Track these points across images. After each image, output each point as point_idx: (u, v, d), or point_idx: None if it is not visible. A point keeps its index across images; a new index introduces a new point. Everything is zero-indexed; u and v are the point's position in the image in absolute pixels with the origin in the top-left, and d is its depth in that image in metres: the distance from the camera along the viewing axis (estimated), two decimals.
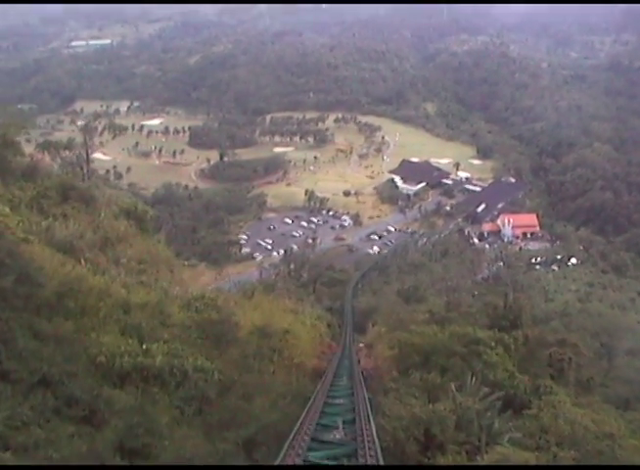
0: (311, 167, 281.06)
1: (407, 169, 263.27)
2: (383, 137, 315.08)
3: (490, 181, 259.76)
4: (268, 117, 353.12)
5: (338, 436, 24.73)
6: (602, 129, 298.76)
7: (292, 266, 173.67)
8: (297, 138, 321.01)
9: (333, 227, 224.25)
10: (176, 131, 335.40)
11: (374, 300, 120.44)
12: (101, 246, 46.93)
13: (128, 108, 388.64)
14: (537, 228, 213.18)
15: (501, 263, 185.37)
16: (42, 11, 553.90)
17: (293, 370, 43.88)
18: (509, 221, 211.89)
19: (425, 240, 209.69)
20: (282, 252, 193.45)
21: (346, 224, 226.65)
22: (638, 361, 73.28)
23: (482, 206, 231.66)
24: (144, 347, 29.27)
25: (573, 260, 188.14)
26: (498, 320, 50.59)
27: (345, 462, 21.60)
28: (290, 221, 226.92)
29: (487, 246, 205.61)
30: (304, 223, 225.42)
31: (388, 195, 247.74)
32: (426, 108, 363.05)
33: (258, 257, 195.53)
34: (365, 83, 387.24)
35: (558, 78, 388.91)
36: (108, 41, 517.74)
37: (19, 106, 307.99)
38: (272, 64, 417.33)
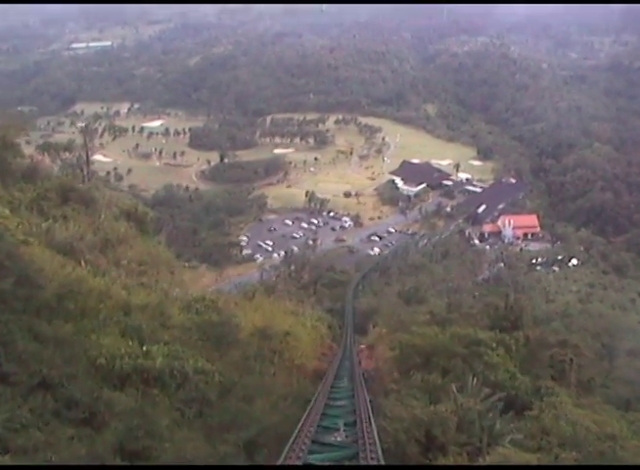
0: (312, 169, 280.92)
1: (408, 170, 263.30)
2: (383, 138, 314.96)
3: (491, 182, 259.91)
4: (269, 119, 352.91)
5: (339, 438, 24.70)
6: (602, 130, 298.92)
7: (292, 268, 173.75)
8: (297, 139, 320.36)
9: (333, 228, 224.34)
10: (177, 133, 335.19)
11: (375, 301, 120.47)
12: (101, 247, 46.86)
13: (129, 109, 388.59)
14: (538, 229, 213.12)
15: (502, 264, 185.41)
16: (42, 13, 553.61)
17: (293, 372, 43.97)
18: (509, 222, 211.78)
19: (425, 241, 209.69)
20: (282, 253, 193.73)
21: (347, 225, 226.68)
22: (639, 362, 73.09)
23: (483, 207, 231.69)
24: (144, 348, 29.22)
25: (574, 261, 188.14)
26: (499, 321, 50.47)
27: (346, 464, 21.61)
28: (290, 223, 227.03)
29: (488, 247, 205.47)
30: (305, 225, 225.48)
31: (389, 196, 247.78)
32: (426, 109, 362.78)
33: (259, 258, 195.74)
34: (365, 84, 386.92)
35: (558, 79, 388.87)
36: (108, 43, 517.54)
37: (19, 108, 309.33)
38: (272, 65, 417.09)
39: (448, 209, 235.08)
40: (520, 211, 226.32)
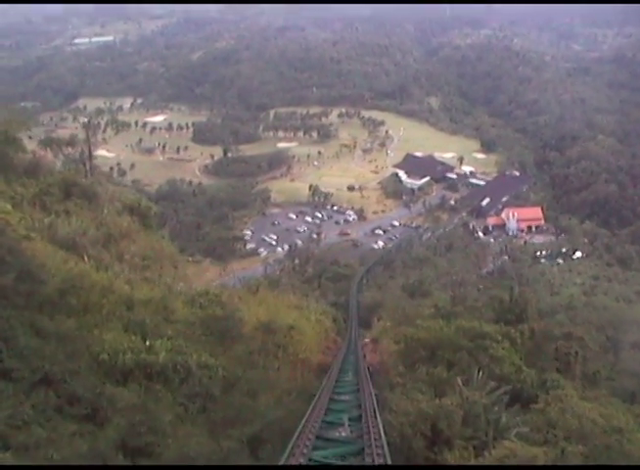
0: (315, 163, 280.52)
1: (411, 164, 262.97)
2: (386, 132, 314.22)
3: (494, 175, 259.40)
4: (272, 113, 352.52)
5: (343, 433, 24.49)
6: (605, 122, 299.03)
7: (296, 262, 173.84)
8: (300, 133, 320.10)
9: (337, 222, 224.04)
10: (180, 127, 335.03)
11: (379, 294, 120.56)
12: (104, 242, 46.83)
13: (131, 104, 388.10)
14: (542, 221, 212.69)
15: (506, 257, 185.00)
16: (44, 9, 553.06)
17: (298, 366, 43.83)
18: (513, 215, 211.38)
19: (429, 234, 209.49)
20: (286, 247, 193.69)
21: (351, 219, 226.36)
22: None
23: (487, 199, 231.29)
24: (147, 343, 29.14)
25: (578, 254, 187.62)
26: (504, 314, 50.40)
27: (351, 461, 21.38)
28: (294, 217, 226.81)
29: (492, 240, 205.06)
30: (309, 218, 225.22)
31: (393, 189, 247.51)
32: (429, 102, 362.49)
33: (263, 252, 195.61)
34: (368, 78, 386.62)
35: (561, 72, 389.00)
36: (110, 38, 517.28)
37: (22, 104, 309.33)
38: (275, 59, 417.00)
39: (452, 202, 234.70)
40: (524, 203, 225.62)
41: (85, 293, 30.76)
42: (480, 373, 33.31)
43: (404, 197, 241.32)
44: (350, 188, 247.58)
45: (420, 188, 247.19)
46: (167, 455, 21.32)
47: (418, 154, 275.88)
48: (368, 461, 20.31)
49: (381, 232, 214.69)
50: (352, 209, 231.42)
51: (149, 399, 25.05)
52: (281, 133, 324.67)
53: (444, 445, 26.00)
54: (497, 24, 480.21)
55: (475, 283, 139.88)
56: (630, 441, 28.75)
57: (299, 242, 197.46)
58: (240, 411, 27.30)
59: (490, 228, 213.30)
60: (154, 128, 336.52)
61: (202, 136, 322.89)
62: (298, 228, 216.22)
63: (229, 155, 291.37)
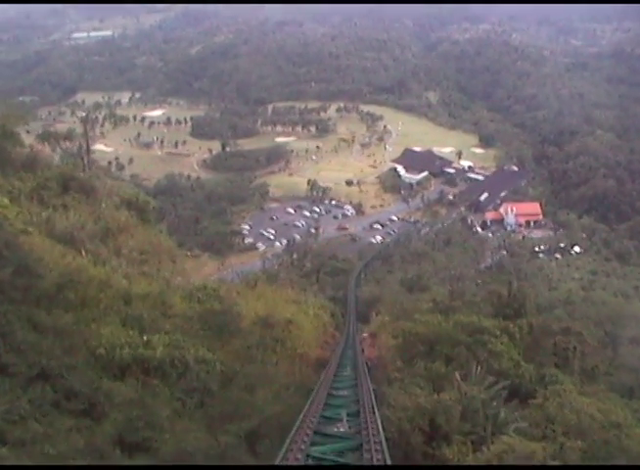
0: (313, 157, 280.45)
1: (410, 158, 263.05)
2: (385, 126, 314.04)
3: (493, 170, 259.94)
4: (270, 107, 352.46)
5: (342, 429, 24.44)
6: (604, 117, 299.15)
7: (294, 256, 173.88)
8: (299, 128, 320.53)
9: (335, 217, 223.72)
10: (178, 122, 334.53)
11: (377, 289, 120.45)
12: (102, 237, 46.78)
13: (130, 99, 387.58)
14: (540, 216, 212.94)
15: (504, 252, 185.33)
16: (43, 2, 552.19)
17: (296, 361, 43.79)
18: (512, 210, 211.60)
19: (428, 229, 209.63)
20: (285, 241, 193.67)
21: (349, 214, 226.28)
22: None
23: (485, 194, 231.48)
24: (145, 338, 29.07)
25: (577, 249, 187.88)
26: (502, 309, 50.25)
27: (349, 457, 21.30)
28: (292, 211, 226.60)
29: (490, 234, 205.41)
30: (307, 213, 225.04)
31: (391, 184, 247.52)
32: (428, 97, 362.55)
33: (261, 247, 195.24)
34: (367, 72, 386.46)
35: (560, 66, 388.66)
36: (109, 32, 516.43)
37: (20, 98, 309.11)
38: (273, 53, 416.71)
39: (450, 196, 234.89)
40: (522, 198, 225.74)
41: (83, 287, 30.72)
42: (479, 368, 33.25)
43: (402, 191, 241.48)
44: (349, 182, 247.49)
45: (418, 183, 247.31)
46: (165, 451, 21.27)
47: (416, 148, 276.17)
48: (366, 457, 20.24)
49: (379, 227, 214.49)
50: (351, 203, 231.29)
51: (146, 394, 25.02)
52: (279, 128, 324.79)
53: (443, 440, 25.98)
54: (496, 19, 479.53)
55: (473, 278, 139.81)
56: (629, 436, 28.73)
57: (298, 236, 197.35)
58: (237, 406, 27.22)
59: (489, 223, 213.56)
60: (152, 123, 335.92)
61: (200, 130, 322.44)
62: (297, 223, 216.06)
63: (227, 149, 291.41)
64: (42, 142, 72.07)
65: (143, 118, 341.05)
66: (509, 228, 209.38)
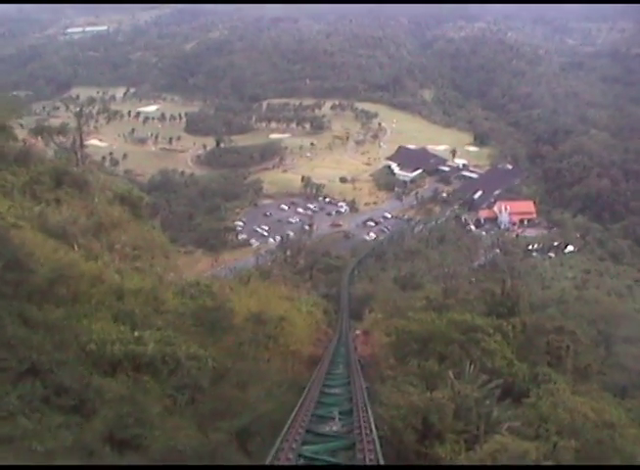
0: (308, 154, 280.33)
1: (404, 156, 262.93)
2: (379, 124, 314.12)
3: (487, 168, 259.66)
4: (265, 104, 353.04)
5: (334, 428, 24.28)
6: (599, 116, 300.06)
7: (288, 253, 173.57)
8: (293, 125, 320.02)
9: (329, 214, 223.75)
10: (172, 118, 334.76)
11: (370, 286, 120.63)
12: (95, 231, 46.57)
13: (124, 94, 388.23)
14: (534, 215, 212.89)
15: (498, 250, 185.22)
16: None
17: (288, 358, 43.74)
18: (506, 208, 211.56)
19: (421, 227, 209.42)
20: (278, 238, 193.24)
21: (343, 211, 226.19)
22: (635, 349, 72.86)
23: (479, 192, 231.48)
24: (136, 334, 28.84)
25: (570, 248, 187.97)
26: (496, 307, 50.23)
27: (342, 456, 21.15)
28: (286, 208, 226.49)
29: (484, 233, 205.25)
30: (301, 210, 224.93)
31: (385, 181, 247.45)
32: (423, 95, 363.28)
33: (255, 243, 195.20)
34: (362, 70, 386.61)
35: (555, 66, 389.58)
36: (104, 28, 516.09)
37: (14, 92, 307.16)
38: (268, 50, 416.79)
39: (444, 194, 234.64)
40: (516, 197, 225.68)
41: (74, 282, 30.55)
42: (472, 366, 33.21)
43: (396, 189, 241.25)
44: (343, 180, 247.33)
45: (412, 180, 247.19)
46: (155, 448, 21.08)
47: (411, 146, 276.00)
48: (359, 457, 20.06)
49: (372, 224, 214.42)
50: (344, 200, 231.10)
51: (137, 391, 24.83)
52: (274, 124, 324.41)
53: (435, 438, 25.91)
54: (491, 18, 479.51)
55: (466, 276, 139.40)
56: (622, 435, 28.67)
57: (291, 233, 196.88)
58: (229, 403, 27.08)
59: (482, 221, 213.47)
60: (146, 118, 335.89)
61: (194, 126, 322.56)
62: (290, 219, 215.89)
63: (222, 145, 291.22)
64: (35, 136, 71.74)
65: (137, 114, 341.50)
66: (503, 227, 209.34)
